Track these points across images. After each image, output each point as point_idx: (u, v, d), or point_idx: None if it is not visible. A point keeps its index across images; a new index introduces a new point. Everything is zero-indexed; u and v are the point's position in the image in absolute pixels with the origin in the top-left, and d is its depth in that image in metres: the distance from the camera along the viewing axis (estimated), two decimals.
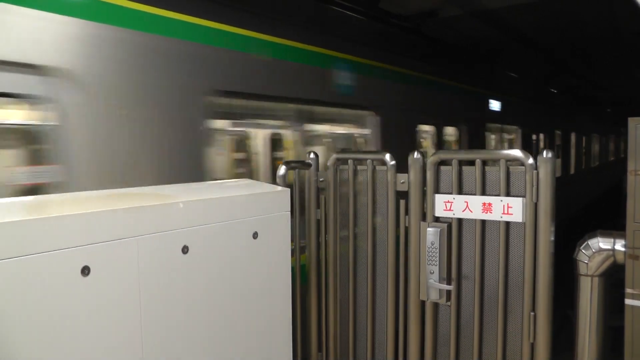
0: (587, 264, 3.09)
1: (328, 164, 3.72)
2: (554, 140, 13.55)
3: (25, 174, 3.33)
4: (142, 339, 2.37)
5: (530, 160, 2.97)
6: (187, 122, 4.01)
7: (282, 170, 3.56)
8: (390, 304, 3.56)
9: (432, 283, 3.25)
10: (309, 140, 5.53)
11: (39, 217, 2.00)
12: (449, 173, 3.26)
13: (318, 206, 3.81)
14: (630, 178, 2.89)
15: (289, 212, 3.22)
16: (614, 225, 3.75)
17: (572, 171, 15.49)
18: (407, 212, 3.43)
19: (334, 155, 3.72)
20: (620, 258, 3.01)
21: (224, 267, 2.79)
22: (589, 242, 3.12)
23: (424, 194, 3.35)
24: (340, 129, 6.26)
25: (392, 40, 6.50)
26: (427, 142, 7.80)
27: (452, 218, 3.25)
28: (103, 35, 3.47)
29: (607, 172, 21.73)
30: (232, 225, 2.84)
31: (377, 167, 3.56)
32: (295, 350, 3.54)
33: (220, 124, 4.66)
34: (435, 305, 3.38)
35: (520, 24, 7.95)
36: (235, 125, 5.03)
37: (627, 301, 2.96)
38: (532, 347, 3.06)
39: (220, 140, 4.73)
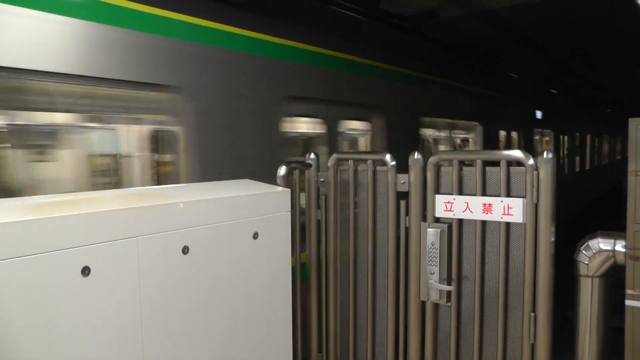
0: (587, 264, 3.09)
1: (328, 164, 3.72)
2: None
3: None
4: (143, 339, 2.37)
5: (531, 161, 2.97)
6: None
7: (282, 170, 3.55)
8: (390, 305, 3.56)
9: (432, 284, 3.25)
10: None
11: (39, 217, 2.00)
12: (449, 174, 3.26)
13: (318, 206, 3.81)
14: (631, 179, 2.88)
15: (290, 213, 3.22)
16: (614, 226, 3.74)
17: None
18: (407, 212, 3.42)
19: (335, 155, 3.72)
20: (620, 259, 3.01)
21: (225, 267, 2.79)
22: (589, 243, 3.12)
23: (424, 194, 3.35)
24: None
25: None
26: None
27: (452, 219, 3.25)
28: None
29: (603, 176, 21.31)
30: (232, 225, 2.83)
31: (378, 168, 3.56)
32: (296, 350, 3.54)
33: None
34: (436, 306, 3.38)
35: (521, 24, 7.95)
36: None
37: (628, 302, 2.96)
38: (533, 347, 3.06)
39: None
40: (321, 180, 3.77)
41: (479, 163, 3.14)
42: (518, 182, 3.04)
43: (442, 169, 3.30)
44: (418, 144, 7.26)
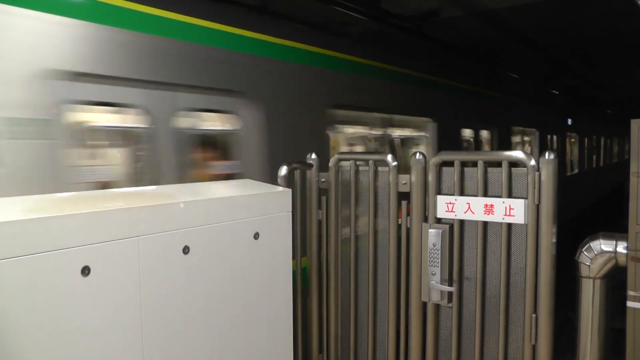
0: (588, 266, 3.08)
1: (330, 164, 3.71)
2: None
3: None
4: (143, 339, 2.36)
5: (532, 162, 2.96)
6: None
7: (283, 170, 3.54)
8: (391, 305, 3.55)
9: (433, 284, 3.24)
10: None
11: (39, 217, 1.99)
12: (451, 174, 3.25)
13: (319, 207, 3.80)
14: (633, 180, 2.87)
15: (290, 213, 3.21)
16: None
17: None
18: (408, 213, 3.42)
19: (336, 156, 3.71)
20: (622, 260, 3.00)
21: (225, 267, 2.78)
22: (590, 244, 3.11)
23: (425, 195, 3.34)
24: None
25: None
26: None
27: (454, 219, 3.24)
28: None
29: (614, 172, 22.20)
30: (233, 225, 2.83)
31: (379, 168, 3.55)
32: (296, 351, 3.53)
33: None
34: (437, 307, 3.37)
35: (521, 24, 7.93)
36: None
37: (629, 304, 2.95)
38: (534, 349, 3.06)
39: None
40: (322, 180, 3.76)
41: (480, 164, 3.13)
42: (520, 183, 3.04)
43: (444, 169, 3.29)
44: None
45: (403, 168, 3.49)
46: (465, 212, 3.18)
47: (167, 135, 3.95)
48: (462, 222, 3.25)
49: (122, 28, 3.60)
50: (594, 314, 3.09)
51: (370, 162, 3.55)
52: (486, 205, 3.11)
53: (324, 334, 3.86)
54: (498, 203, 3.06)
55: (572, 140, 16.16)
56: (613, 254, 3.02)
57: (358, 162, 3.64)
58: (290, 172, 3.52)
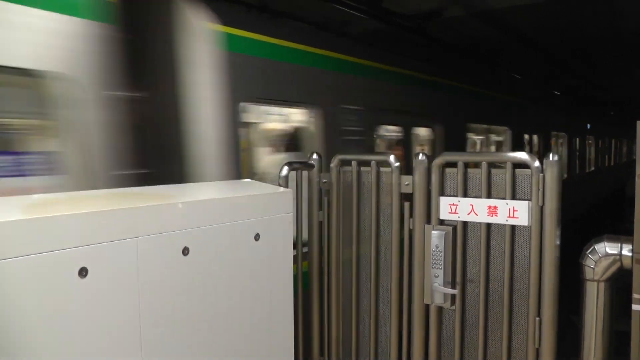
0: (593, 268, 3.05)
1: (331, 165, 3.68)
2: None
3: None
4: (141, 342, 2.33)
5: (537, 163, 2.93)
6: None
7: (284, 170, 3.51)
8: (394, 308, 3.51)
9: (436, 287, 3.21)
10: None
11: (35, 217, 1.96)
12: (454, 175, 3.22)
13: (320, 208, 3.76)
14: (638, 182, 2.84)
15: (292, 214, 3.18)
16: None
17: None
18: (411, 214, 3.38)
19: (338, 156, 3.68)
20: (627, 263, 2.96)
21: (225, 269, 2.75)
22: (595, 247, 3.07)
23: (428, 196, 3.30)
24: None
25: None
26: None
27: (457, 221, 3.21)
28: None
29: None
30: (233, 226, 2.79)
31: (382, 169, 3.52)
32: (297, 354, 3.50)
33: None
34: (440, 309, 3.34)
35: (521, 24, 7.88)
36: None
37: (635, 307, 2.91)
38: (538, 352, 3.02)
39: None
40: (324, 181, 3.73)
41: (484, 165, 3.10)
42: (523, 185, 3.00)
43: (447, 170, 3.25)
44: None
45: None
46: (468, 214, 3.15)
47: None
48: (465, 224, 3.21)
49: None
50: (598, 316, 3.05)
51: (373, 162, 3.52)
52: (490, 207, 3.07)
53: (325, 336, 3.83)
54: (502, 205, 3.03)
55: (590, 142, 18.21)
56: (618, 257, 2.98)
57: (360, 163, 3.61)
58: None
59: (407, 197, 3.41)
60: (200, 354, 2.62)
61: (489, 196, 3.10)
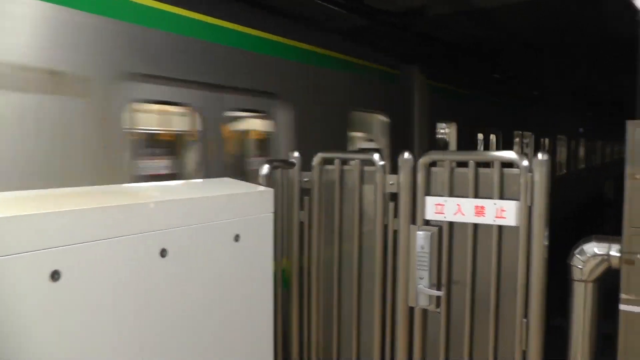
0: (581, 269, 3.01)
1: (313, 163, 3.57)
2: None
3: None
4: (117, 348, 2.19)
5: (525, 163, 2.88)
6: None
7: (265, 169, 3.40)
8: (377, 311, 3.42)
9: (421, 289, 3.13)
10: None
11: (3, 216, 1.80)
12: (440, 174, 3.15)
13: (302, 208, 3.65)
14: (629, 182, 2.82)
15: (273, 214, 3.08)
16: None
17: None
18: (396, 214, 3.30)
19: (320, 154, 3.57)
20: (614, 263, 2.94)
21: (205, 272, 2.64)
22: (583, 247, 3.05)
23: (414, 196, 3.22)
24: None
25: None
26: None
27: (443, 221, 3.14)
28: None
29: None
30: (213, 227, 2.68)
31: (365, 168, 3.42)
32: (276, 357, 3.39)
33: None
34: (425, 312, 3.26)
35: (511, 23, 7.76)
36: None
37: (622, 307, 2.89)
38: (524, 354, 2.97)
39: None
40: (305, 180, 3.62)
41: (471, 164, 3.03)
42: (511, 184, 2.95)
43: (433, 169, 3.18)
44: None
45: None
46: (455, 214, 3.08)
47: None
48: (451, 224, 3.14)
49: None
50: (586, 317, 3.03)
51: (356, 161, 3.43)
52: (477, 207, 3.01)
53: (305, 340, 3.71)
54: (489, 204, 2.97)
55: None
56: (606, 257, 2.96)
57: (343, 161, 3.51)
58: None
59: (392, 197, 3.33)
60: (179, 358, 2.49)
61: (476, 196, 3.04)
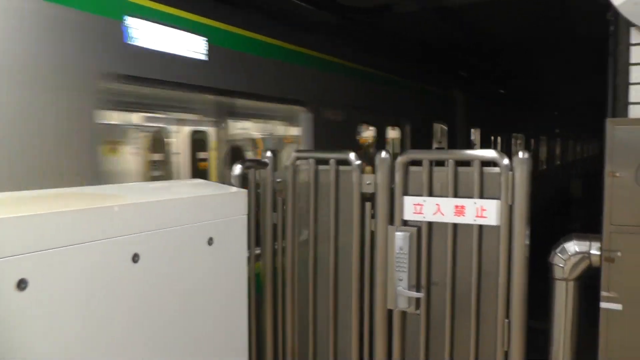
0: (562, 267, 3.00)
1: (287, 163, 3.46)
2: None
3: None
4: (89, 357, 2.03)
5: (506, 161, 2.84)
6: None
7: (237, 169, 3.27)
8: (354, 314, 3.32)
9: (400, 290, 3.06)
10: None
11: None
12: (419, 174, 3.08)
13: (275, 209, 3.53)
14: (608, 180, 2.81)
15: (246, 216, 2.97)
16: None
17: None
18: (373, 215, 3.22)
19: (294, 154, 3.47)
20: (595, 261, 2.94)
21: (177, 277, 2.52)
22: (564, 246, 3.04)
23: (392, 196, 3.14)
24: None
25: None
26: None
27: (422, 222, 3.07)
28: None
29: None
30: (185, 230, 2.56)
31: (341, 168, 3.33)
32: None
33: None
34: (404, 314, 3.18)
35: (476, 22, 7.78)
36: None
37: (603, 304, 2.88)
38: (506, 354, 2.93)
39: None
40: (278, 180, 3.50)
41: (451, 163, 2.98)
42: (492, 183, 2.90)
43: (412, 169, 3.11)
44: None
45: None
46: (434, 214, 3.02)
47: None
48: (430, 225, 3.08)
49: None
50: (567, 315, 3.02)
51: (332, 160, 3.33)
52: (457, 207, 2.96)
53: (279, 345, 3.59)
54: (469, 204, 2.92)
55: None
56: (587, 255, 2.95)
57: (318, 161, 3.41)
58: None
59: (369, 197, 3.24)
60: None
61: (455, 195, 2.98)
